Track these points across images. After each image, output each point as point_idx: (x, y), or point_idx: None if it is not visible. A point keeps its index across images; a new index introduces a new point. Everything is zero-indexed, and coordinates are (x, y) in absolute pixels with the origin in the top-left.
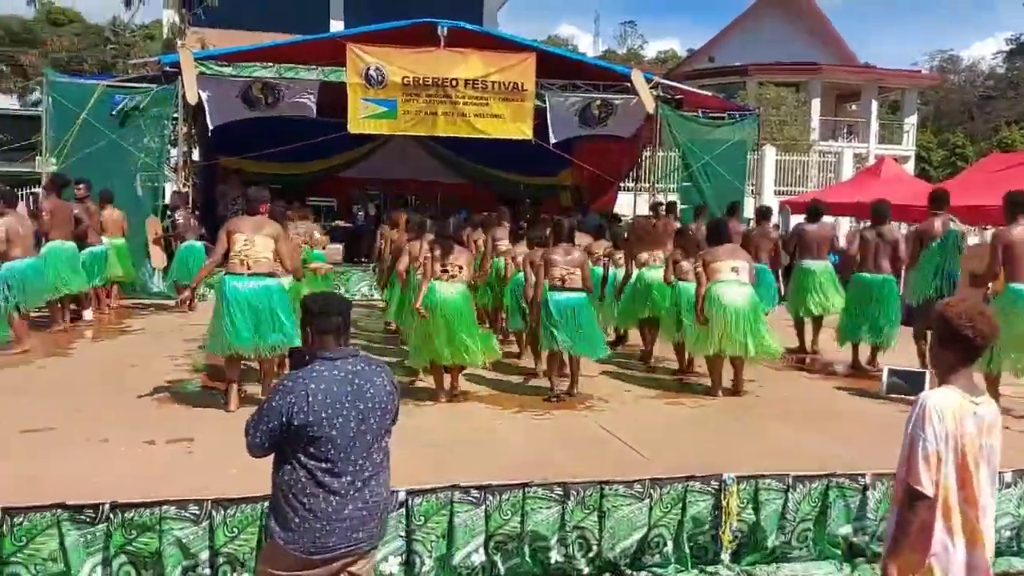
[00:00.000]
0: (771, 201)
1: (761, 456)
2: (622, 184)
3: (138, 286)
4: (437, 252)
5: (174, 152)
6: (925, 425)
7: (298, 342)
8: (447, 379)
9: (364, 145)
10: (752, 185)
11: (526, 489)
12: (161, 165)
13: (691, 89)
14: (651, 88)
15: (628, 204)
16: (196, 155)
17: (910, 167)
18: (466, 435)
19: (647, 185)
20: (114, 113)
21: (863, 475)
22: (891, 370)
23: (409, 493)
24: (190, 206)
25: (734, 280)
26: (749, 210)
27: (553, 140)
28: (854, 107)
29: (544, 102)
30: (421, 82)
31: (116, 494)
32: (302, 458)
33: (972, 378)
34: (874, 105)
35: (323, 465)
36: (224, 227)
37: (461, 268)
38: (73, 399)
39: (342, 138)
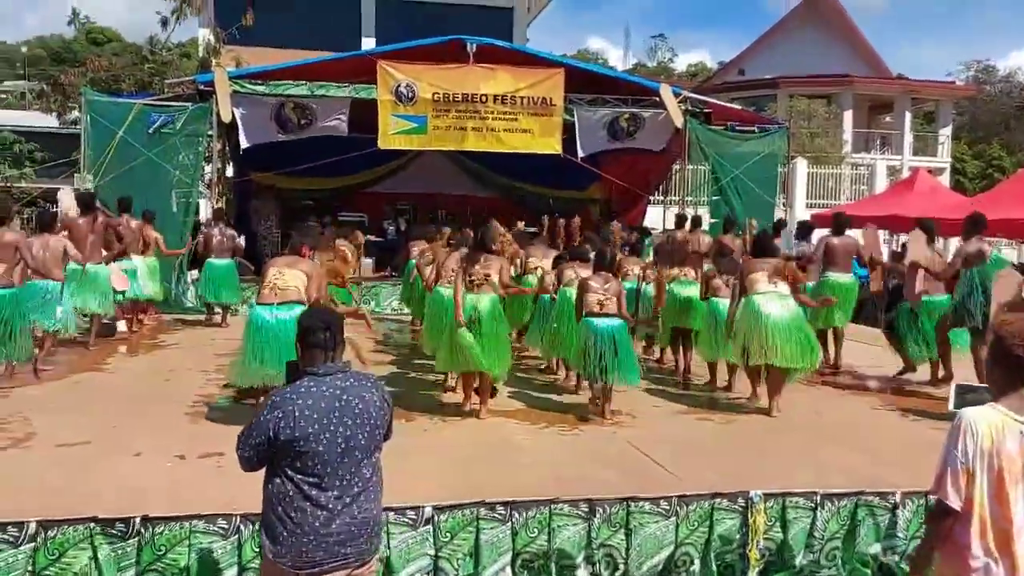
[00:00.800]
0: (804, 214)
1: (790, 473)
2: (652, 197)
3: (171, 301)
4: (464, 263)
5: (208, 168)
6: (958, 440)
7: None
8: (475, 398)
9: (395, 160)
10: (783, 199)
11: (552, 506)
12: (195, 182)
13: (720, 103)
14: (679, 102)
15: (658, 217)
16: (230, 171)
17: (945, 179)
18: (493, 450)
19: (676, 199)
20: (151, 131)
21: (893, 493)
22: (959, 386)
23: (436, 509)
24: (222, 223)
25: (774, 291)
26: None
27: (581, 154)
28: (888, 119)
29: (572, 116)
30: (451, 98)
31: (147, 508)
32: (289, 472)
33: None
34: (907, 116)
35: (310, 479)
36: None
37: (488, 276)
38: (107, 413)
39: (373, 153)
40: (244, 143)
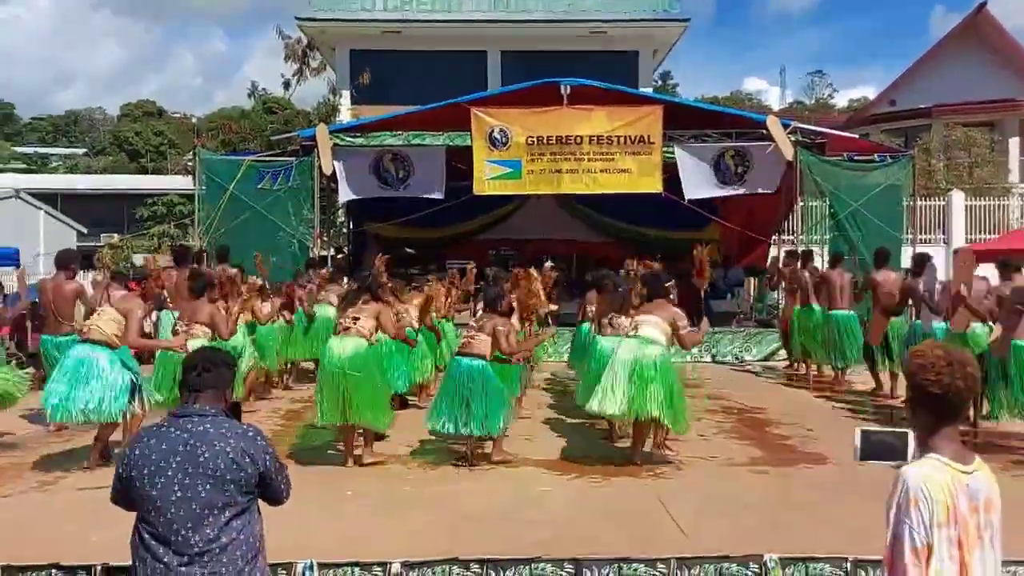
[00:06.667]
0: None
1: (832, 537)
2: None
3: None
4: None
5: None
6: (911, 510)
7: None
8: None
9: (502, 207)
10: (943, 234)
11: (533, 565)
12: (297, 232)
13: (833, 132)
14: (789, 133)
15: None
16: (346, 222)
17: None
18: (506, 504)
19: (790, 237)
20: (260, 186)
21: None
22: (864, 432)
23: (404, 566)
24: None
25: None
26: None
27: (688, 197)
28: None
29: (674, 154)
30: (545, 141)
31: (107, 556)
32: (139, 518)
33: (959, 440)
34: None
35: (149, 529)
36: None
37: (357, 319)
38: None
39: (480, 201)
40: (342, 198)
